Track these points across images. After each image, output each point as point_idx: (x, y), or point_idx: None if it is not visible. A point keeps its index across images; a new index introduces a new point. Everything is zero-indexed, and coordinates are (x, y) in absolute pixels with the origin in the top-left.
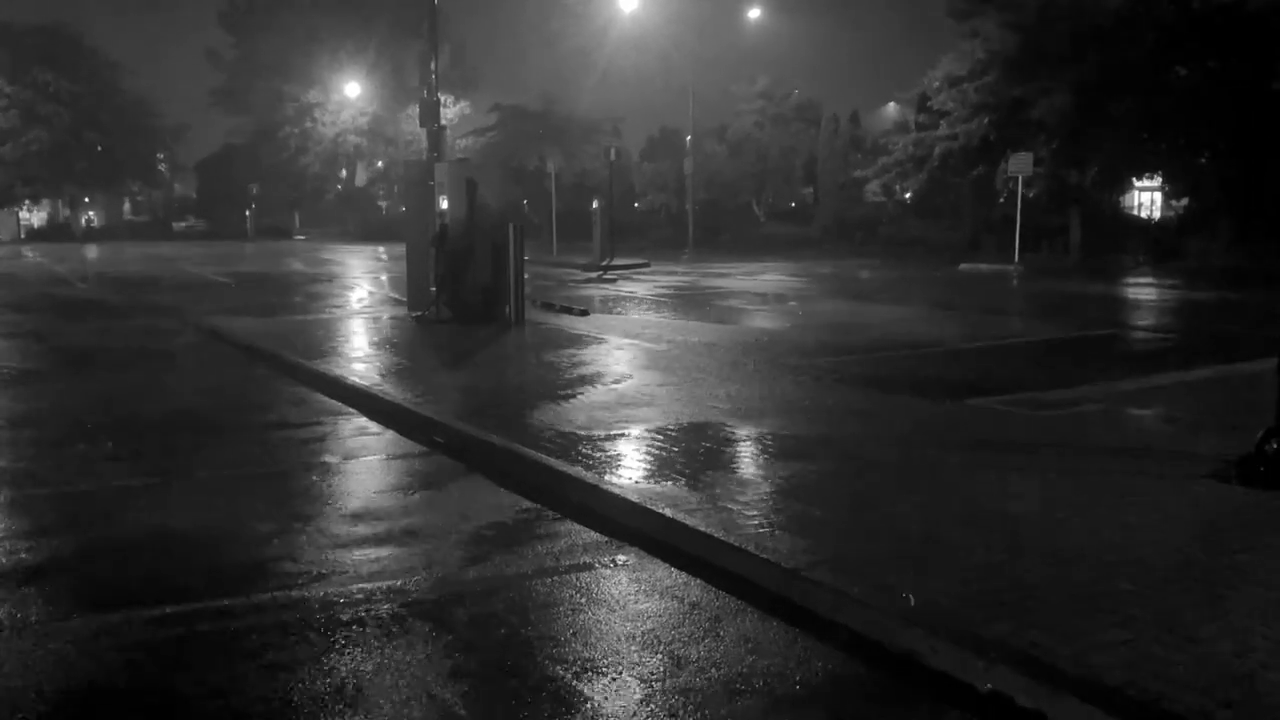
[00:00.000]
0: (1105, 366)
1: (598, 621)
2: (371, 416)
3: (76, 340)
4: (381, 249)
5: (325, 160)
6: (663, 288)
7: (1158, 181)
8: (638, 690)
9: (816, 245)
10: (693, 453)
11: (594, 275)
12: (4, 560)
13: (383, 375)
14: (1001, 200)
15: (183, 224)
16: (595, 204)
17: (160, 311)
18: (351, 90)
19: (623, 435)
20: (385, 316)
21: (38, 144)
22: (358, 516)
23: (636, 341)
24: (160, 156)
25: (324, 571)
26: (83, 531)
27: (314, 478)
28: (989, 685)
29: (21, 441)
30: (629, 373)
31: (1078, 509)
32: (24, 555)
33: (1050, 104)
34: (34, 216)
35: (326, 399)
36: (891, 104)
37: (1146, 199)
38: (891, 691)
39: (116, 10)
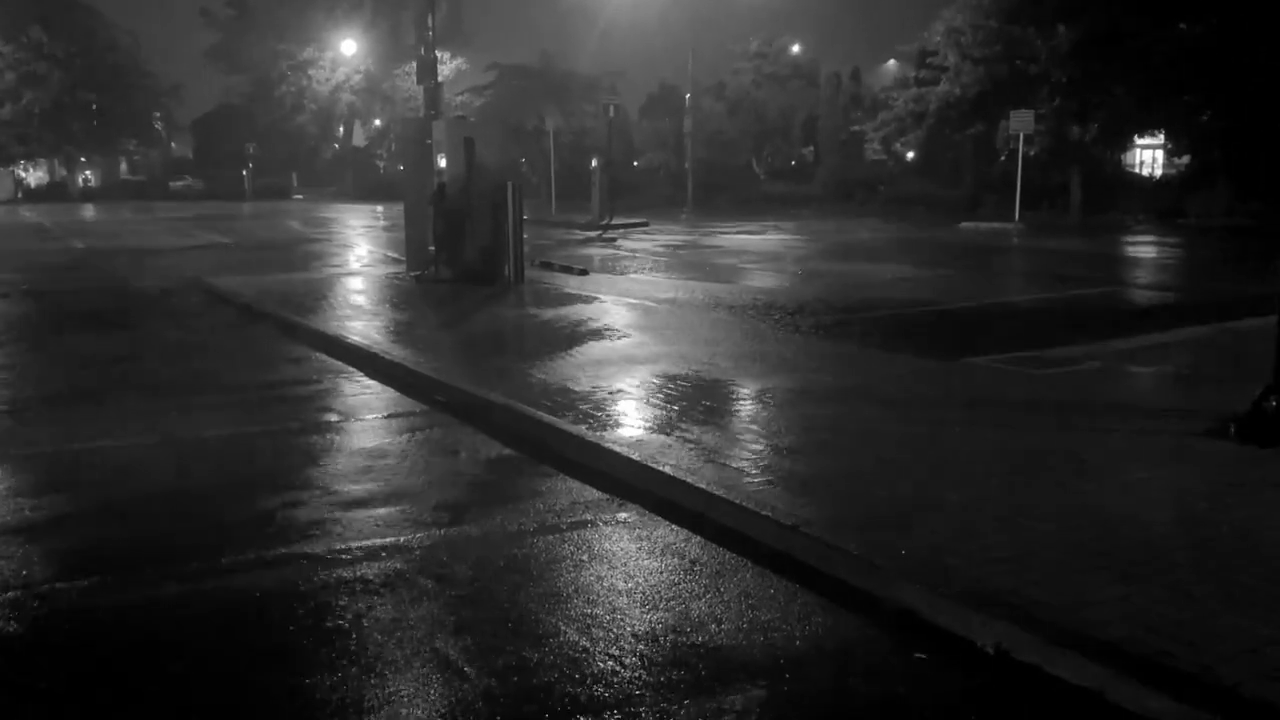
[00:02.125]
0: (1104, 325)
1: (599, 578)
2: (371, 375)
3: (74, 301)
4: (379, 208)
5: (321, 119)
6: (662, 247)
7: (1159, 139)
8: (640, 646)
9: (816, 204)
10: (692, 410)
11: (593, 234)
12: (8, 518)
13: (382, 334)
14: (1002, 159)
15: (179, 183)
16: (594, 163)
17: (159, 271)
18: (348, 47)
19: (623, 393)
20: (384, 276)
21: (34, 104)
22: (359, 474)
23: (636, 300)
24: (156, 115)
25: (326, 529)
26: (84, 491)
27: (315, 436)
28: (988, 640)
29: (23, 402)
30: (628, 331)
31: (1076, 466)
32: (28, 513)
33: (1052, 59)
34: (30, 176)
35: (326, 358)
36: (892, 61)
37: (1148, 156)
38: (891, 646)
39: None
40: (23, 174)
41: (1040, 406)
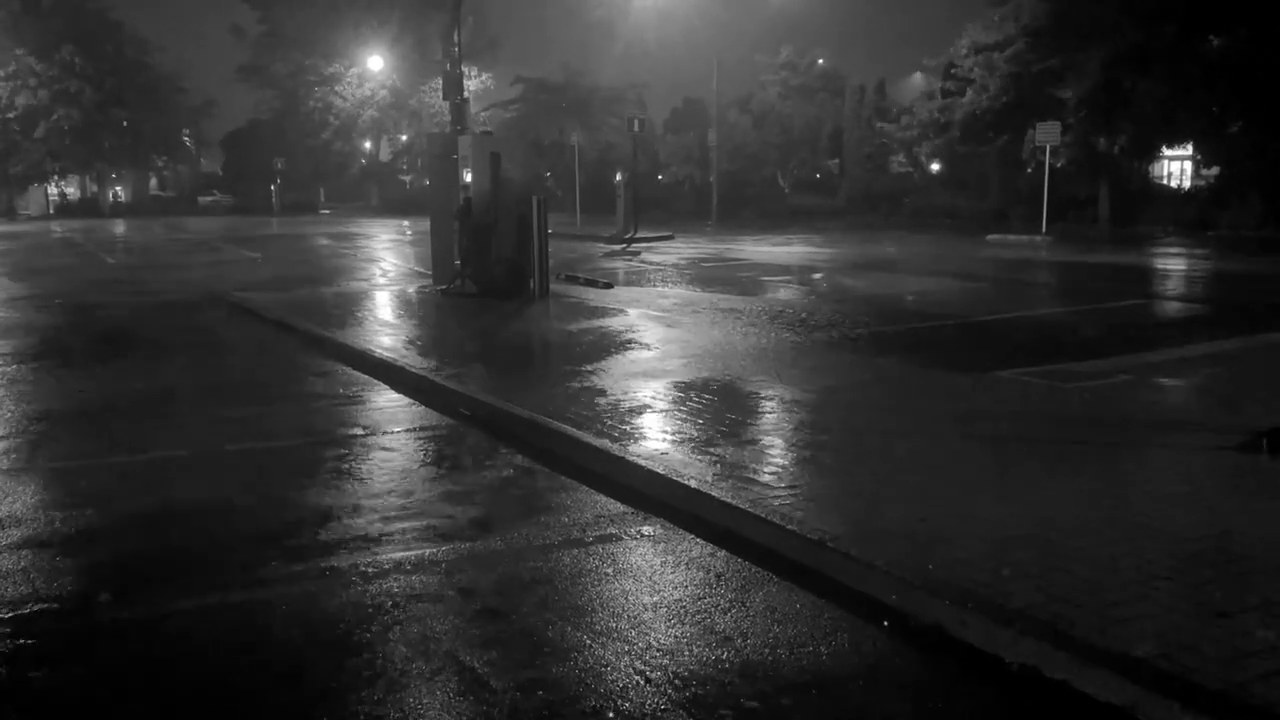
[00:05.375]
0: (1134, 338)
1: (624, 591)
2: (398, 389)
3: (106, 315)
4: (406, 223)
5: (348, 134)
6: (687, 260)
7: (1188, 151)
8: (665, 660)
9: (842, 217)
10: (717, 424)
11: (618, 248)
12: (40, 531)
13: (409, 348)
14: (1029, 170)
15: (208, 199)
16: (619, 176)
17: (188, 286)
18: (375, 64)
19: (647, 407)
20: (410, 290)
21: (67, 121)
22: (384, 488)
23: (660, 314)
24: (186, 132)
25: (352, 542)
26: (112, 504)
27: (341, 450)
28: (1016, 657)
29: (58, 416)
30: (653, 344)
31: (1106, 480)
32: (57, 525)
33: (1080, 74)
34: (63, 191)
35: (354, 371)
36: (918, 74)
37: (1176, 168)
38: (918, 662)
39: None
40: (55, 190)
41: (1070, 420)
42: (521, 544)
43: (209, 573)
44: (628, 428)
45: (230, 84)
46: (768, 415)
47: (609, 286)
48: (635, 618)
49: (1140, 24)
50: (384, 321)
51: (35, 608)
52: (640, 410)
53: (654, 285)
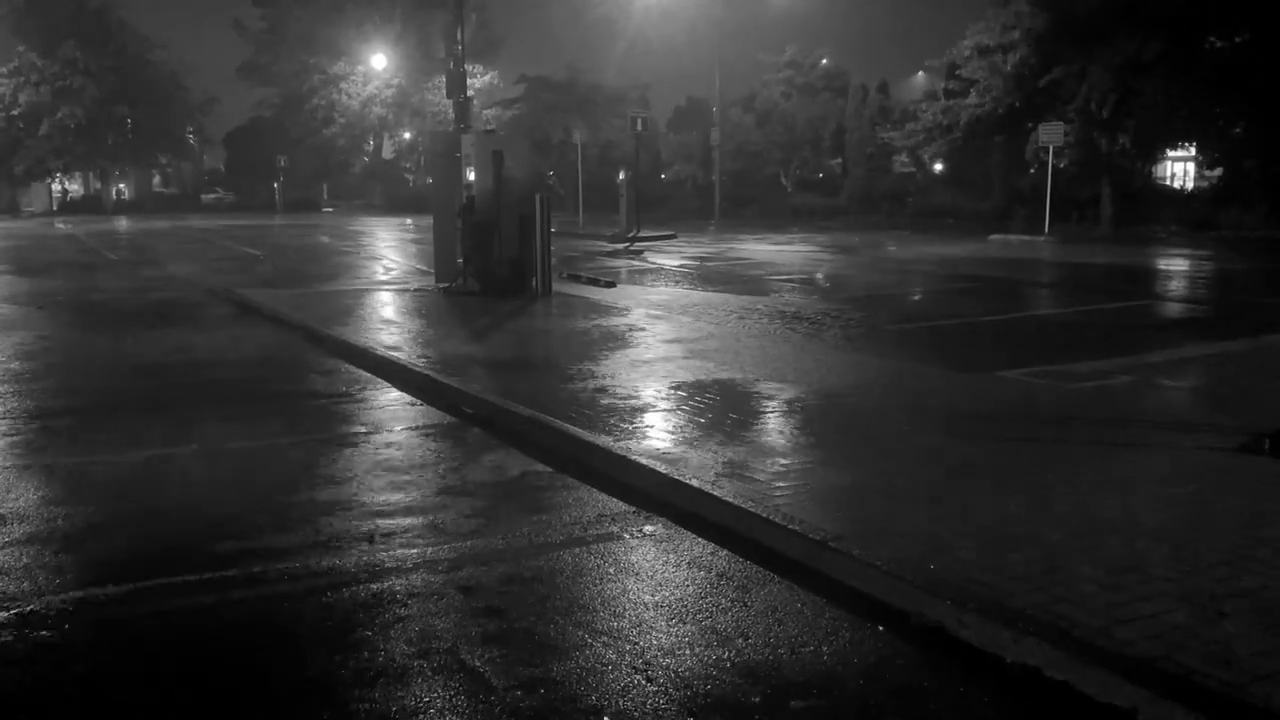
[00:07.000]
0: (1135, 339)
1: (626, 591)
2: (399, 387)
3: (106, 313)
4: (408, 221)
5: (351, 132)
6: (689, 259)
7: (1191, 152)
8: (666, 660)
9: (844, 216)
10: (719, 422)
11: (620, 247)
12: (40, 526)
13: (411, 346)
14: (1032, 171)
15: (211, 196)
16: (621, 175)
17: (190, 283)
18: (378, 62)
19: (649, 405)
20: (413, 288)
21: (70, 119)
22: (386, 486)
23: (662, 313)
24: (189, 129)
25: (353, 540)
26: (114, 501)
27: (343, 448)
28: (1017, 657)
29: (58, 413)
30: (655, 344)
31: (1108, 480)
32: (59, 522)
33: (1082, 76)
34: (66, 188)
35: (355, 369)
36: (920, 74)
37: (1179, 169)
38: (920, 662)
39: None
40: (58, 186)
41: (1071, 421)
42: (523, 543)
43: (209, 570)
44: (630, 426)
45: (232, 81)
46: (770, 414)
47: (611, 285)
48: (637, 617)
49: (1143, 25)
50: (386, 319)
51: (37, 603)
52: (642, 409)
53: (656, 284)
